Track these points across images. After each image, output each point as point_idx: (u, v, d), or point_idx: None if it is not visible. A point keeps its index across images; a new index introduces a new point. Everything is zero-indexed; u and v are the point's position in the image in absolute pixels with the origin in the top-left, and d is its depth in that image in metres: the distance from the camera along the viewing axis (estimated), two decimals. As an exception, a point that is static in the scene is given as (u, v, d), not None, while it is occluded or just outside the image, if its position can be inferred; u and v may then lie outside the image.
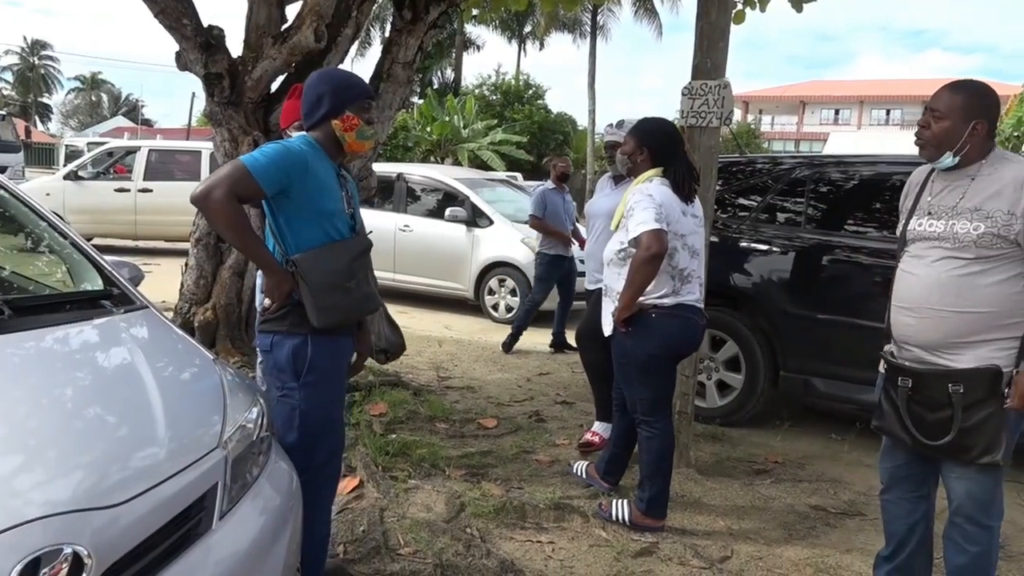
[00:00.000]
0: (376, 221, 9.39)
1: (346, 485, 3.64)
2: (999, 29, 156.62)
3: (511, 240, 8.80)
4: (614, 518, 3.47)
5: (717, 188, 4.63)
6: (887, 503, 2.76)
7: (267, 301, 2.49)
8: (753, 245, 5.13)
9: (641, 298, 3.26)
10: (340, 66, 4.90)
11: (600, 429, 4.47)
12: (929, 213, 2.51)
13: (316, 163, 2.43)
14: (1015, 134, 27.29)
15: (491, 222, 9.02)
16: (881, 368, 2.67)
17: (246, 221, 2.43)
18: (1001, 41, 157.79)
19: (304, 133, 2.56)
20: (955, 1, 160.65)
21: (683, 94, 3.96)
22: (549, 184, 7.15)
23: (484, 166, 26.44)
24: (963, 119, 2.40)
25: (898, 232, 2.66)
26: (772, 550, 3.34)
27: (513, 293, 8.73)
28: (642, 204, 3.20)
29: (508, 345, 7.19)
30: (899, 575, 2.77)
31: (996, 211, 2.34)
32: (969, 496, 2.47)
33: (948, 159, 2.45)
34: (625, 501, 3.51)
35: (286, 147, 2.41)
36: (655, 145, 3.39)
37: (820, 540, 3.48)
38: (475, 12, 5.85)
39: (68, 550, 1.45)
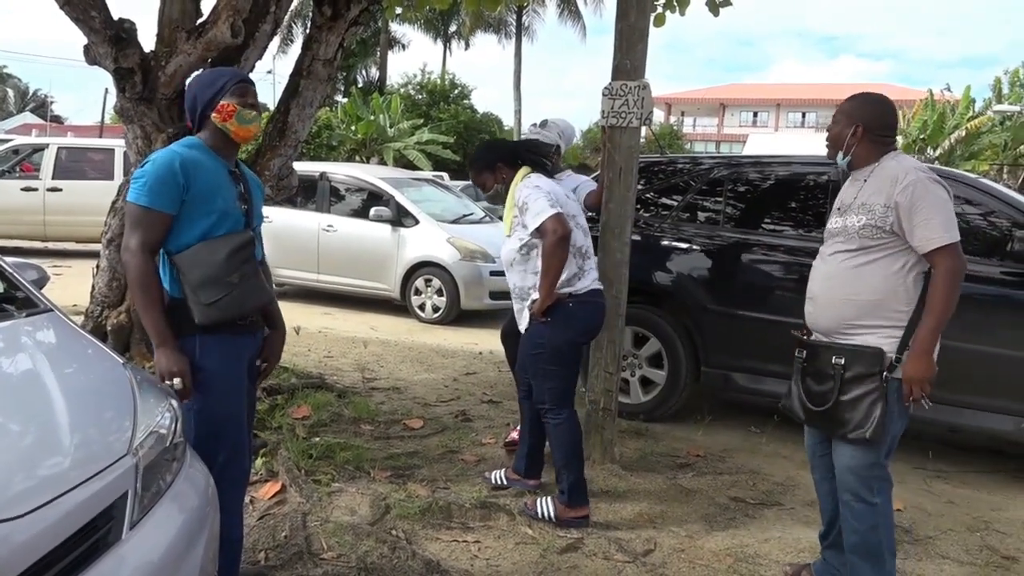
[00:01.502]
0: (299, 221, 9.28)
1: (268, 490, 3.57)
2: (907, 38, 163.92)
3: (437, 240, 8.76)
4: (540, 515, 3.49)
5: (639, 188, 4.71)
6: (815, 481, 3.00)
7: None
8: (674, 244, 5.23)
9: (556, 289, 3.40)
10: (258, 62, 4.80)
11: (526, 427, 4.48)
12: (837, 209, 2.79)
13: (199, 164, 2.40)
14: (920, 136, 28.60)
15: (417, 222, 8.96)
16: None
17: (155, 281, 2.38)
18: (908, 48, 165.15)
19: (193, 136, 2.53)
20: (866, 9, 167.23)
21: (603, 94, 4.01)
22: None
23: (410, 166, 26.25)
24: (847, 123, 2.70)
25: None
26: (694, 542, 3.41)
27: (440, 293, 8.69)
28: (533, 196, 3.38)
29: None
30: (833, 552, 2.95)
31: (876, 205, 2.60)
32: (850, 470, 2.67)
33: (840, 158, 2.74)
34: (549, 498, 3.54)
35: (155, 162, 2.37)
36: (501, 156, 3.68)
37: (740, 531, 3.56)
38: (398, 10, 5.79)
39: (-37, 565, 1.38)
